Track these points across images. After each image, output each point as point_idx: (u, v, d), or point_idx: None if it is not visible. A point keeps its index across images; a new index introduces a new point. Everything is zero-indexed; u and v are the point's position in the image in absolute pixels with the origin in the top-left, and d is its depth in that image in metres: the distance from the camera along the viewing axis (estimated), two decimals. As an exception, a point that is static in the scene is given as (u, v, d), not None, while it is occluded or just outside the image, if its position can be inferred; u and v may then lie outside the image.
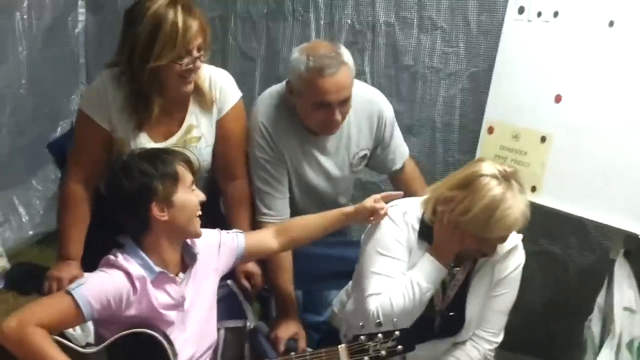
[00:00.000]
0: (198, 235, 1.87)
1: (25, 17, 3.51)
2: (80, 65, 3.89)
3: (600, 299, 2.29)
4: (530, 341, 2.82)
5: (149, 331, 1.74)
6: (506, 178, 1.84)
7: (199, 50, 1.99)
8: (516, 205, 1.80)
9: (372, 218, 2.04)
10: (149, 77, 1.99)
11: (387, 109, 2.37)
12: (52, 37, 3.67)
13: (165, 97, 2.07)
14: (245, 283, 2.24)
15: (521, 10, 2.50)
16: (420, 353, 1.87)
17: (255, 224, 2.28)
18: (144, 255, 1.78)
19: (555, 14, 2.39)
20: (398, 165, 2.46)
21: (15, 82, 3.51)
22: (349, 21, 3.21)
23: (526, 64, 2.48)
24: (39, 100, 3.65)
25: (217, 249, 1.96)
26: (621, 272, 2.23)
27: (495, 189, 1.81)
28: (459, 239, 1.89)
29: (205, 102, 2.14)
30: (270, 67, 3.42)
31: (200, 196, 1.84)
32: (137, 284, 1.73)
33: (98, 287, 1.71)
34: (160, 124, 2.12)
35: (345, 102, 2.14)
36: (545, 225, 2.77)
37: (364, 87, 2.36)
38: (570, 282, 2.84)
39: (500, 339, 2.08)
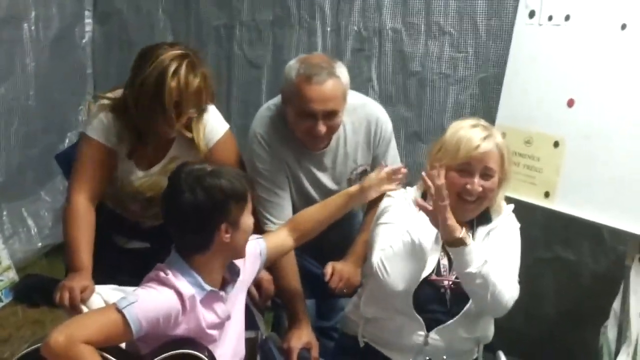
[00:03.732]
0: (243, 257, 1.87)
1: (32, 28, 3.51)
2: (87, 75, 3.90)
3: (616, 305, 2.27)
4: (545, 348, 2.79)
5: (197, 353, 1.72)
6: (486, 126, 2.00)
7: (189, 107, 2.05)
8: (485, 135, 1.96)
9: (384, 188, 2.05)
10: (146, 120, 2.07)
11: (383, 119, 2.33)
12: (59, 48, 3.67)
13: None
14: (255, 292, 2.22)
15: (532, 14, 2.49)
16: (440, 344, 1.96)
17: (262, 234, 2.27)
18: (194, 273, 1.75)
19: (567, 18, 2.38)
20: None
21: (24, 93, 3.51)
22: (356, 28, 3.20)
23: (538, 69, 2.47)
24: (47, 111, 3.65)
25: (243, 262, 1.93)
26: (637, 278, 2.21)
27: (463, 124, 2.00)
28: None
29: (198, 144, 2.17)
30: (276, 75, 3.41)
31: (252, 218, 1.84)
32: (187, 303, 1.71)
33: (149, 306, 1.67)
34: (147, 152, 2.19)
35: (331, 116, 2.12)
36: (559, 231, 2.75)
37: (359, 99, 2.34)
38: (585, 288, 2.81)
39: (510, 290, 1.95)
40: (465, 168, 1.95)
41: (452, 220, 1.84)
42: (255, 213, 2.27)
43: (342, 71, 2.13)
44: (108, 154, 2.15)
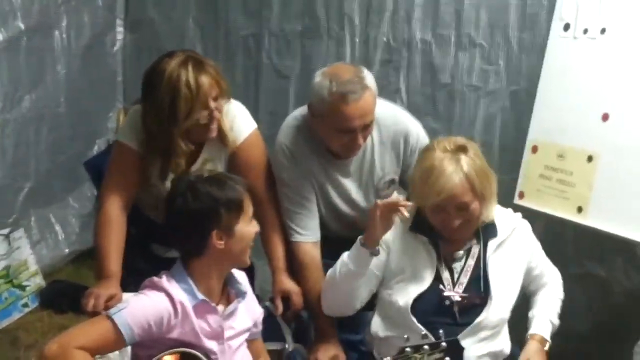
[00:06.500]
0: (246, 265, 1.87)
1: (64, 36, 3.53)
2: (117, 83, 3.91)
3: (650, 324, 2.22)
4: (576, 367, 2.74)
5: (191, 351, 1.73)
6: (452, 150, 1.92)
7: (215, 99, 2.08)
8: (450, 170, 1.89)
9: None
10: (176, 134, 2.09)
11: (414, 131, 2.31)
12: (90, 56, 3.70)
13: (189, 141, 2.15)
14: (280, 304, 2.21)
15: (567, 27, 2.47)
16: None
17: (290, 246, 2.27)
18: (189, 280, 1.77)
19: (603, 31, 2.36)
20: None
21: (54, 100, 3.52)
22: (385, 38, 3.18)
23: (572, 82, 2.44)
24: (77, 118, 3.67)
25: (255, 316, 1.96)
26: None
27: (434, 156, 1.92)
28: None
29: (225, 139, 2.20)
30: (304, 85, 3.38)
31: (257, 227, 1.85)
32: (179, 307, 1.72)
33: (139, 311, 1.69)
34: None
35: (367, 126, 2.13)
36: (591, 247, 2.70)
37: (390, 109, 2.33)
38: (617, 305, 2.76)
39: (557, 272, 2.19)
40: (438, 209, 1.93)
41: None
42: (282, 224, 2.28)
43: (370, 79, 2.13)
44: (140, 160, 2.17)
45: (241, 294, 1.88)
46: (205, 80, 2.05)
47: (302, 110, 2.30)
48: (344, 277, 2.02)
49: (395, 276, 2.03)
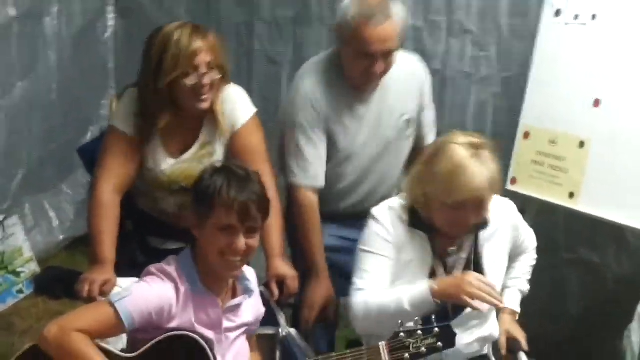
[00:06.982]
0: (230, 276, 1.83)
1: (55, 22, 3.52)
2: (109, 70, 3.91)
3: (640, 308, 2.25)
4: (567, 351, 2.76)
5: (191, 334, 1.73)
6: (475, 146, 1.86)
7: (208, 67, 2.06)
8: (479, 169, 1.83)
9: None
10: (162, 94, 2.09)
11: (428, 78, 2.42)
12: (81, 43, 3.69)
13: (180, 114, 2.15)
14: (275, 289, 2.22)
15: (558, 13, 2.48)
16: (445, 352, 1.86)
17: (290, 189, 2.31)
18: (193, 268, 1.77)
19: (594, 17, 2.37)
20: (429, 142, 2.42)
21: (46, 87, 3.52)
22: (376, 25, 3.19)
23: (563, 68, 2.45)
24: (69, 105, 3.67)
25: (258, 314, 1.96)
26: (662, 280, 2.19)
27: (459, 153, 1.85)
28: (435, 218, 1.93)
29: (218, 122, 2.20)
30: (296, 71, 3.40)
31: (239, 244, 1.73)
32: (181, 296, 1.73)
33: (141, 299, 1.69)
34: (176, 138, 2.19)
35: (387, 55, 2.16)
36: (583, 233, 2.73)
37: (407, 54, 2.40)
38: (609, 290, 2.78)
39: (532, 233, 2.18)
40: (459, 206, 1.87)
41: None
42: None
43: (397, 10, 2.16)
44: (133, 145, 2.17)
45: (248, 292, 1.88)
46: (198, 42, 2.04)
47: (321, 54, 2.37)
48: (398, 316, 1.88)
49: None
